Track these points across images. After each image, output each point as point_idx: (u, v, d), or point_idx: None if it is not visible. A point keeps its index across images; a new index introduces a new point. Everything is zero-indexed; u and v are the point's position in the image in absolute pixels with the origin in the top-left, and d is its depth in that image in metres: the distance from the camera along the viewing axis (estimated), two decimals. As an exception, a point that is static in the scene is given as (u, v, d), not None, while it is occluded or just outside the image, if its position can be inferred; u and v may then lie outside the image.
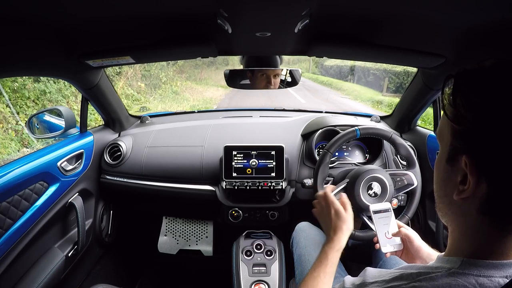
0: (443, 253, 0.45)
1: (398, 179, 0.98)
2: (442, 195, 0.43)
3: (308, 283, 0.66)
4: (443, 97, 0.40)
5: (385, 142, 1.22)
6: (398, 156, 1.25)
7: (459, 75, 0.38)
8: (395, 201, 1.04)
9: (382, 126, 1.42)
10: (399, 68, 9.52)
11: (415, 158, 1.00)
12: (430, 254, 0.71)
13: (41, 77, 4.26)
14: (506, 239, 0.37)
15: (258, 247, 1.13)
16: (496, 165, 0.34)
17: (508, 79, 0.35)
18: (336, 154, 1.32)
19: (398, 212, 1.02)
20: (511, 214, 0.36)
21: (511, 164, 0.34)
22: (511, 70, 0.35)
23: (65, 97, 4.69)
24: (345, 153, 1.32)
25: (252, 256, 1.19)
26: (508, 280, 0.36)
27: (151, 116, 1.59)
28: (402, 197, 1.07)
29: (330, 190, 0.86)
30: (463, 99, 0.36)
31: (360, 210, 0.95)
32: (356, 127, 0.98)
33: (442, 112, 0.42)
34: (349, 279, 0.52)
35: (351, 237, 0.96)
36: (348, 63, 13.05)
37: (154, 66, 7.58)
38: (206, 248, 1.59)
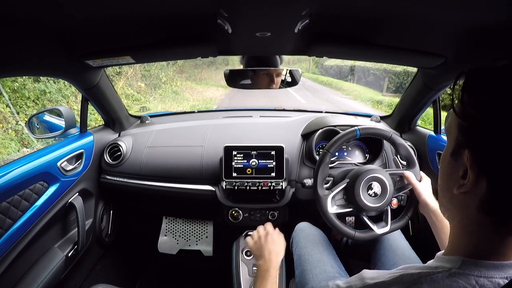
0: (443, 251, 0.45)
1: (398, 179, 0.98)
2: (444, 189, 0.44)
3: None
4: (453, 92, 0.40)
5: (385, 142, 1.22)
6: (398, 156, 1.25)
7: (470, 72, 0.38)
8: (395, 201, 1.04)
9: (382, 126, 1.42)
10: (399, 68, 9.53)
11: (415, 158, 1.00)
12: (436, 210, 0.81)
13: (41, 77, 4.27)
14: (506, 239, 0.37)
15: None
16: (497, 163, 0.35)
17: None
18: (336, 154, 1.32)
19: (398, 212, 1.01)
20: (510, 214, 0.36)
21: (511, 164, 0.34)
22: None
23: (65, 97, 4.70)
24: (345, 153, 1.32)
25: (252, 256, 1.19)
26: (508, 281, 0.36)
27: (151, 116, 1.59)
28: (402, 197, 1.07)
29: (270, 225, 1.02)
30: (470, 96, 0.37)
31: (360, 210, 0.95)
32: (356, 127, 0.98)
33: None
34: (342, 283, 0.50)
35: (352, 238, 0.96)
36: (348, 63, 13.06)
37: (154, 66, 7.59)
38: (206, 248, 1.59)
